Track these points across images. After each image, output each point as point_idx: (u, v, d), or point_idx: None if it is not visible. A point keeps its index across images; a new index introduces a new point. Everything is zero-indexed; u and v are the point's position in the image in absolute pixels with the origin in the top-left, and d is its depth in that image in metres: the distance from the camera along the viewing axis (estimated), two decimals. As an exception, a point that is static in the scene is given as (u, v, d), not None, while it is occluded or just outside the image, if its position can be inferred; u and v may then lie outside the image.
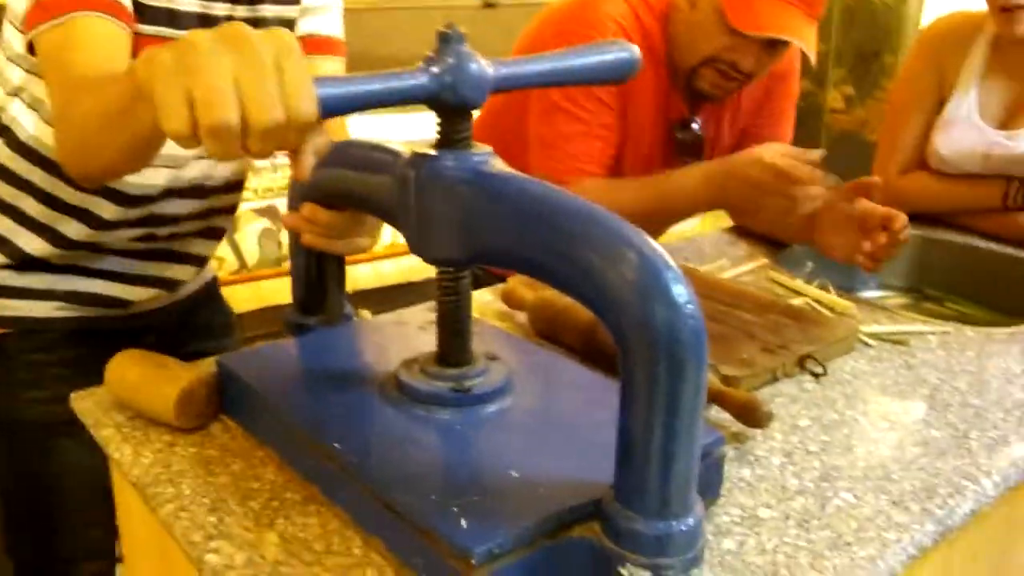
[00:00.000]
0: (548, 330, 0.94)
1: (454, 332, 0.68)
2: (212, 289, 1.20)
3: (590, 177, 1.19)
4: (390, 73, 0.58)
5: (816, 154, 1.10)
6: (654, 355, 0.50)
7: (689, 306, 0.50)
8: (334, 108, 0.56)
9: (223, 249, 1.85)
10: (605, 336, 0.87)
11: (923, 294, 1.39)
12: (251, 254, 1.93)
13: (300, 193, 0.78)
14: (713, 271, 1.17)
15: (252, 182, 1.89)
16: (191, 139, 0.48)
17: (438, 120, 0.62)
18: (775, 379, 0.87)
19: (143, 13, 0.83)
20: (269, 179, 1.90)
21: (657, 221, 1.20)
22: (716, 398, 0.78)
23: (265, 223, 1.94)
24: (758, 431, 0.77)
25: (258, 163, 1.90)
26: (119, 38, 0.76)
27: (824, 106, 1.94)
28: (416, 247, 0.63)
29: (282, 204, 2.01)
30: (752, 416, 0.75)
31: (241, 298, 1.98)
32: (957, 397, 0.85)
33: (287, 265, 2.03)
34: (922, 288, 1.39)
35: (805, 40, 1.09)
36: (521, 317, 0.99)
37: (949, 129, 1.39)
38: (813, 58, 1.13)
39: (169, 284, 1.05)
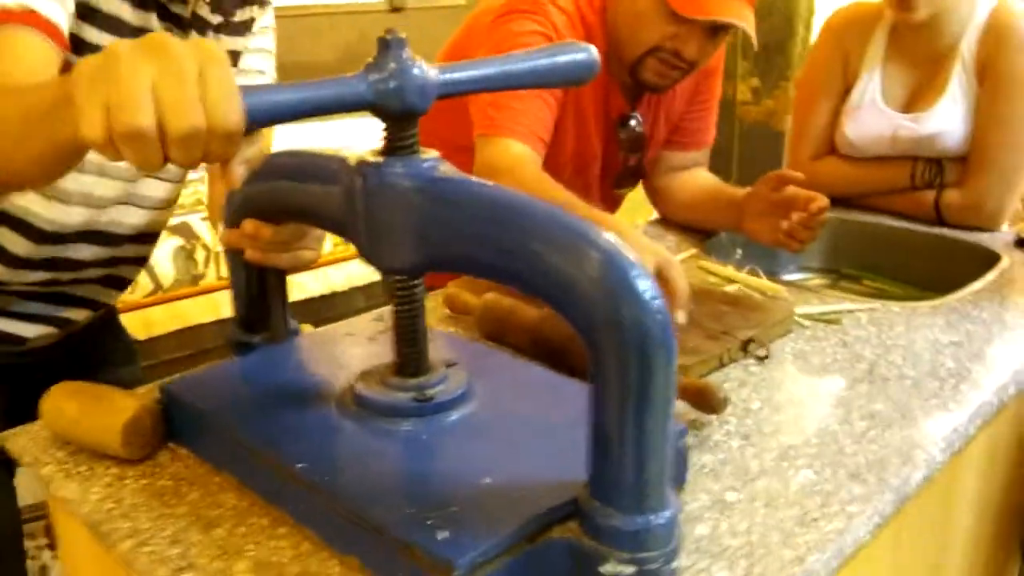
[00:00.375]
0: (495, 331, 0.93)
1: (411, 341, 0.67)
2: (109, 318, 1.14)
3: (531, 144, 1.14)
4: (327, 81, 0.57)
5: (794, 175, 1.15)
6: (624, 352, 0.50)
7: (656, 302, 0.51)
8: (263, 117, 0.54)
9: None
10: (552, 332, 0.87)
11: (841, 274, 1.44)
12: (166, 275, 1.86)
13: (237, 208, 0.75)
14: (647, 263, 1.19)
15: (163, 200, 1.83)
16: (107, 146, 0.48)
17: (383, 127, 0.61)
18: (722, 364, 0.89)
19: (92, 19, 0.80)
20: (181, 195, 1.83)
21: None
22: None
23: (179, 241, 1.87)
24: (713, 417, 0.78)
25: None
26: (46, 55, 0.72)
27: (734, 99, 2.00)
28: (369, 257, 0.62)
29: (195, 220, 1.95)
30: (709, 402, 0.76)
31: (157, 320, 1.91)
32: (894, 371, 0.88)
33: (204, 284, 1.97)
34: (839, 268, 1.44)
35: (747, 22, 1.12)
36: (466, 321, 0.98)
37: (856, 114, 1.44)
38: (755, 41, 1.15)
39: (63, 323, 1.00)
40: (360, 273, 2.12)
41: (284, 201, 0.71)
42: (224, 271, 1.97)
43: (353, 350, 0.78)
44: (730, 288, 1.09)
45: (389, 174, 0.59)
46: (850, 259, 1.44)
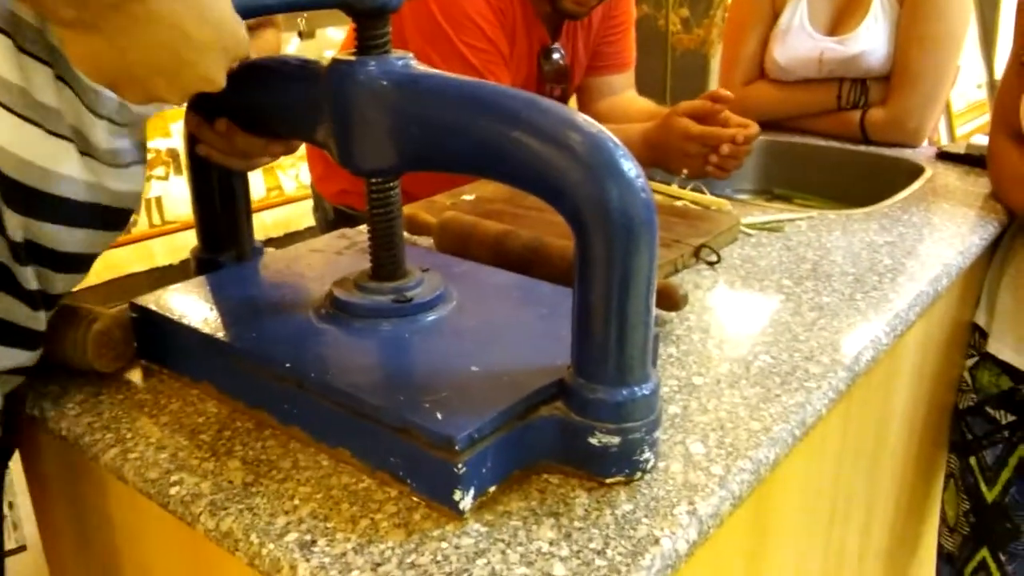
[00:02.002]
0: (456, 249, 0.94)
1: (387, 245, 0.68)
2: None
3: None
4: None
5: (725, 94, 1.16)
6: (610, 230, 0.52)
7: (639, 180, 0.53)
8: (247, 9, 0.55)
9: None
10: (514, 245, 0.89)
11: (773, 194, 1.49)
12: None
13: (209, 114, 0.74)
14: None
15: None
16: None
17: (355, 27, 0.61)
18: (676, 270, 0.92)
19: None
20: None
21: None
22: (631, 289, 0.82)
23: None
24: (674, 314, 0.82)
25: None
26: None
27: (666, 29, 2.03)
28: (345, 161, 0.62)
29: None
30: (670, 300, 0.79)
31: (91, 270, 1.85)
32: (836, 268, 0.93)
33: (136, 231, 1.92)
34: (771, 189, 1.50)
35: None
36: (424, 242, 0.99)
37: (784, 38, 1.49)
38: None
39: None
40: (296, 216, 2.10)
41: (255, 108, 0.70)
42: (156, 219, 1.92)
43: (322, 264, 0.79)
44: (677, 203, 1.13)
45: (363, 72, 0.59)
46: (781, 180, 1.49)
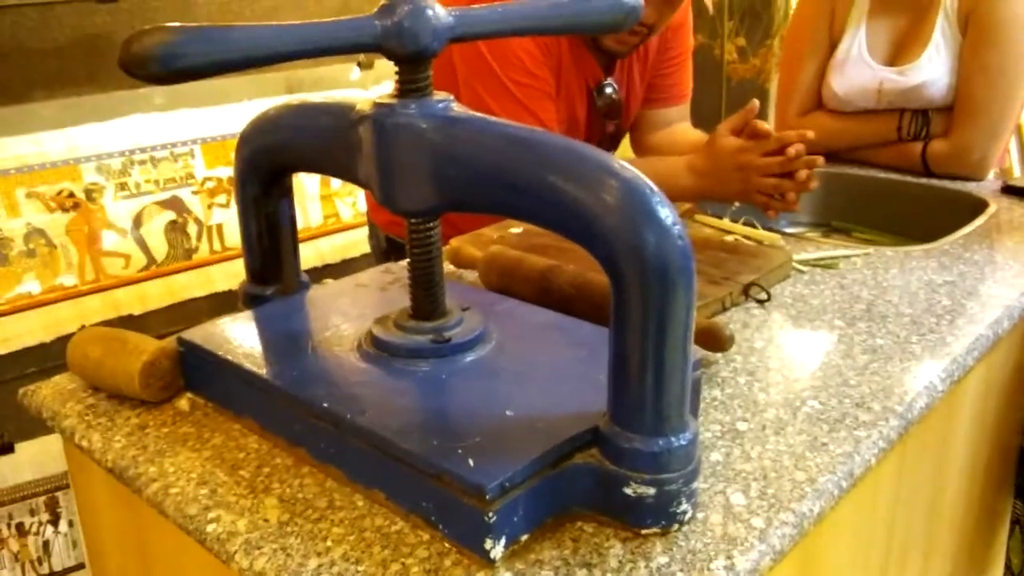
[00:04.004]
0: (501, 284, 0.94)
1: (428, 285, 0.68)
2: None
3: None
4: (339, 21, 0.58)
5: (753, 105, 1.14)
6: (646, 278, 0.52)
7: (677, 227, 0.52)
8: (286, 54, 0.56)
9: (129, 246, 1.78)
10: (559, 282, 0.89)
11: (831, 227, 1.46)
12: (158, 249, 1.86)
13: (245, 161, 0.76)
14: (643, 218, 1.20)
15: (152, 172, 1.82)
16: None
17: (396, 69, 0.62)
18: (724, 308, 0.91)
19: None
20: (171, 169, 1.83)
21: None
22: (676, 329, 0.80)
23: (171, 215, 1.87)
24: (719, 356, 0.80)
25: (158, 153, 1.83)
26: None
27: (722, 58, 2.01)
28: (384, 201, 0.63)
29: (185, 194, 1.94)
30: (716, 341, 0.78)
31: (152, 295, 1.90)
32: (891, 309, 0.90)
33: (197, 258, 1.97)
34: (829, 221, 1.47)
35: None
36: (470, 275, 0.99)
37: (842, 68, 1.46)
38: (711, 4, 1.17)
39: None
40: (352, 243, 2.12)
41: (293, 151, 0.72)
42: (217, 245, 1.97)
43: (366, 300, 0.79)
44: (728, 238, 1.11)
45: (403, 115, 0.60)
46: (839, 212, 1.46)
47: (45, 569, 1.71)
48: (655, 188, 0.53)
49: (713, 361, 0.79)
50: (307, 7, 2.05)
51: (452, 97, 0.63)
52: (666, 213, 0.52)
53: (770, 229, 1.14)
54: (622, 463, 0.55)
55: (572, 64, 1.22)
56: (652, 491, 0.54)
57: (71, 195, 1.69)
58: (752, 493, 0.60)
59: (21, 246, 1.65)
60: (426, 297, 0.68)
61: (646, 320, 0.52)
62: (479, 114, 0.60)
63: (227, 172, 1.91)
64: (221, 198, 1.92)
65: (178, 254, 1.89)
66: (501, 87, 1.18)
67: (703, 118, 1.47)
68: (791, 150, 1.08)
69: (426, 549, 0.55)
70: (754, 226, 1.14)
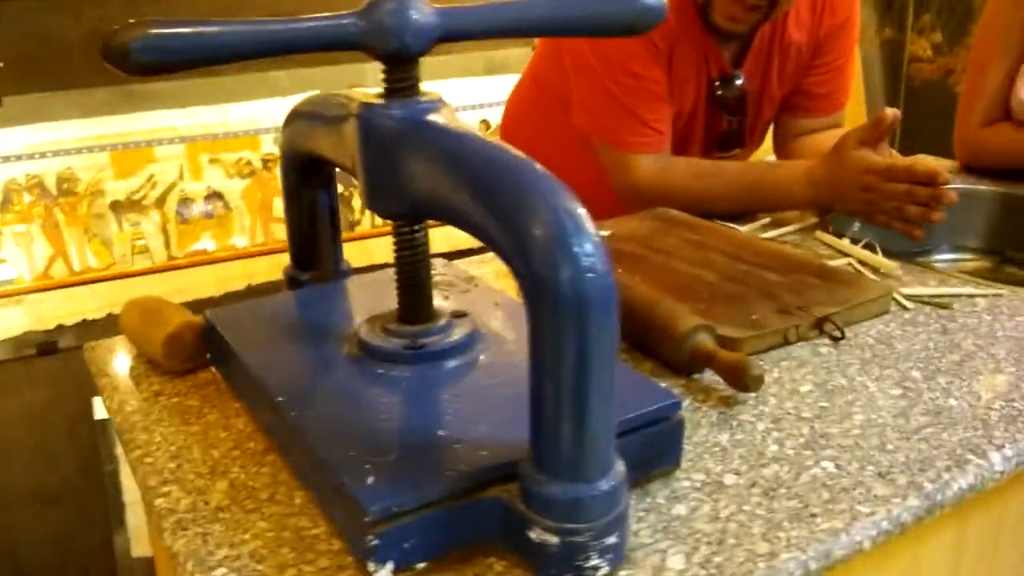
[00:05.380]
0: (554, 289, 0.91)
1: (411, 288, 0.66)
2: None
3: (661, 146, 1.15)
4: (318, 17, 0.57)
5: (889, 114, 1.02)
6: (559, 316, 0.47)
7: (595, 263, 0.47)
8: (263, 49, 0.56)
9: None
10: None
11: (1004, 256, 1.27)
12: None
13: (284, 150, 0.78)
14: (755, 230, 1.11)
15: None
16: None
17: (382, 68, 0.60)
18: (787, 342, 0.81)
19: None
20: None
21: (749, 209, 1.14)
22: (708, 360, 0.73)
23: (338, 188, 1.98)
24: (751, 395, 0.72)
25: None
26: None
27: (903, 54, 1.76)
28: (365, 201, 0.62)
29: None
30: (740, 379, 0.70)
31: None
32: (990, 365, 0.77)
33: (359, 230, 2.06)
34: (1004, 251, 1.27)
35: None
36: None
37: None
38: None
39: None
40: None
41: (308, 144, 0.72)
42: (379, 220, 2.06)
43: (389, 294, 0.79)
44: (836, 262, 0.99)
45: (379, 116, 0.59)
46: (1016, 241, 1.26)
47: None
48: (584, 222, 0.48)
49: (741, 401, 0.72)
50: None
51: (439, 99, 0.60)
52: (588, 248, 0.47)
53: (905, 253, 1.01)
54: (530, 505, 0.51)
55: (691, 52, 1.13)
56: (555, 540, 0.50)
57: (248, 163, 1.83)
58: (696, 559, 0.54)
59: (201, 207, 1.81)
60: (410, 301, 0.67)
61: (558, 358, 0.48)
62: (456, 123, 0.57)
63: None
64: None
65: (342, 225, 1.99)
66: (602, 87, 1.13)
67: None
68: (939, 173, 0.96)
69: (329, 559, 0.54)
70: (874, 250, 1.01)
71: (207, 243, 1.82)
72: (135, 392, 0.75)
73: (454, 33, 0.60)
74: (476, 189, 0.51)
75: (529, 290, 0.48)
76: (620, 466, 0.52)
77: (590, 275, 0.47)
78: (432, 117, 0.58)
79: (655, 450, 0.61)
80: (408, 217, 0.63)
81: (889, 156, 1.04)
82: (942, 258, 1.24)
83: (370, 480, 0.52)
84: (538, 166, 0.51)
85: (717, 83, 1.16)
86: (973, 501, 0.63)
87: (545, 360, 0.48)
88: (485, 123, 2.04)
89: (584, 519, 0.50)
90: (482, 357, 0.67)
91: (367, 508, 0.50)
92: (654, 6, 0.61)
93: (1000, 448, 0.64)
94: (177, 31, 0.55)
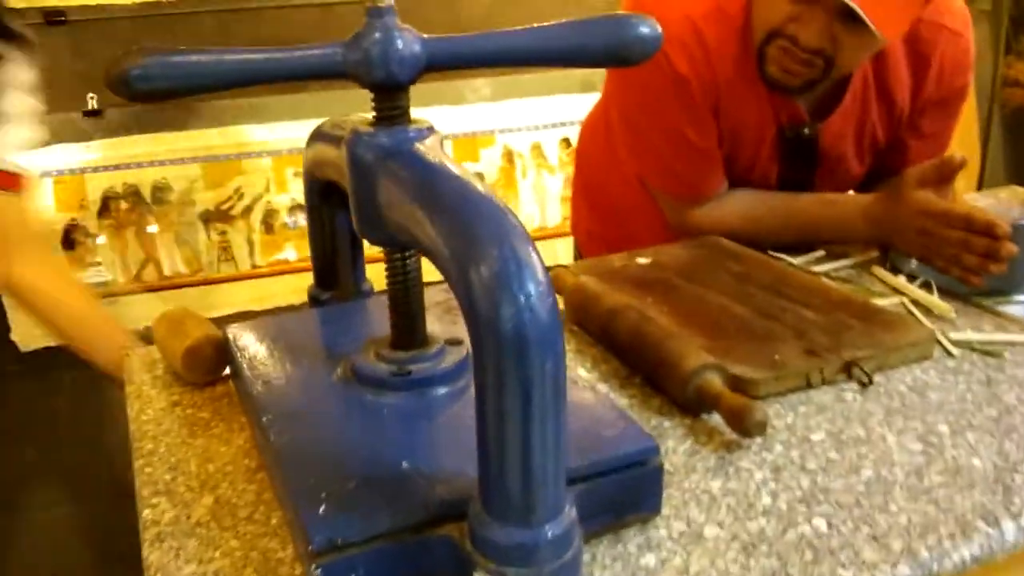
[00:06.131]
0: (577, 317, 0.90)
1: (402, 314, 0.67)
2: None
3: (709, 193, 1.13)
4: (307, 47, 0.58)
5: (957, 158, 0.96)
6: (499, 353, 0.46)
7: (536, 304, 0.46)
8: (243, 78, 0.58)
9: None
10: (620, 327, 0.82)
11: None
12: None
13: (307, 167, 0.80)
14: (809, 262, 1.06)
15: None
16: None
17: (371, 96, 0.61)
18: (809, 385, 0.77)
19: None
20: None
21: (807, 242, 1.10)
22: (714, 401, 0.71)
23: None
24: (756, 440, 0.69)
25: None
26: None
27: (994, 77, 1.62)
28: (355, 226, 0.63)
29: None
30: (741, 423, 0.67)
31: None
32: (1031, 422, 0.71)
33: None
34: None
35: (878, 11, 0.88)
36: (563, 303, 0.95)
37: None
38: (882, 36, 0.91)
39: None
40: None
41: (322, 166, 0.74)
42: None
43: (401, 317, 0.80)
44: (886, 301, 0.94)
45: (363, 142, 0.59)
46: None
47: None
48: (524, 261, 0.47)
49: (744, 446, 0.68)
50: (568, 11, 2.06)
51: (427, 127, 0.61)
52: (527, 288, 0.46)
53: (975, 293, 0.94)
54: (476, 546, 0.50)
55: (750, 99, 1.06)
56: (495, 584, 0.49)
57: (331, 176, 1.89)
58: (650, 614, 0.51)
59: (284, 218, 1.87)
60: (401, 327, 0.67)
61: (500, 399, 0.47)
62: (426, 152, 0.57)
63: (472, 167, 2.00)
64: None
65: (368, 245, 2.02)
66: (646, 139, 1.11)
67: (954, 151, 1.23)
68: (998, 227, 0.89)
69: (286, 583, 0.55)
70: (930, 290, 0.95)
71: (289, 253, 1.89)
72: (155, 401, 0.79)
73: (440, 62, 0.60)
74: (432, 222, 0.51)
75: (471, 328, 0.47)
76: (571, 511, 0.50)
77: (528, 314, 0.45)
78: (413, 146, 0.58)
79: (630, 495, 0.59)
80: (392, 245, 0.63)
81: (952, 199, 0.97)
82: (1020, 299, 1.15)
83: (321, 509, 0.52)
84: (498, 203, 0.50)
85: (788, 130, 1.10)
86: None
87: (488, 400, 0.48)
88: (566, 141, 2.03)
89: (529, 564, 0.49)
90: (472, 386, 0.66)
91: (312, 538, 0.50)
92: (648, 36, 0.60)
93: (1016, 517, 0.59)
94: (171, 60, 0.57)
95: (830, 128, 1.10)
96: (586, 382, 0.68)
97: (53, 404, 1.80)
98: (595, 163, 1.38)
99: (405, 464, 0.57)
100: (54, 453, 1.84)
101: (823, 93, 1.08)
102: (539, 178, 2.00)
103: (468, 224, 0.49)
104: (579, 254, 1.48)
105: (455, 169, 0.54)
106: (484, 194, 0.51)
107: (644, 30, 0.59)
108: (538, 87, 2.02)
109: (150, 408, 0.77)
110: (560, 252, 2.05)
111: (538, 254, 0.48)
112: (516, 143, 1.97)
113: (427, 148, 0.59)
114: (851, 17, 0.89)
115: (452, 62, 0.60)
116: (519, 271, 0.46)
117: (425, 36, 0.59)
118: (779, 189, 1.14)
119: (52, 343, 1.61)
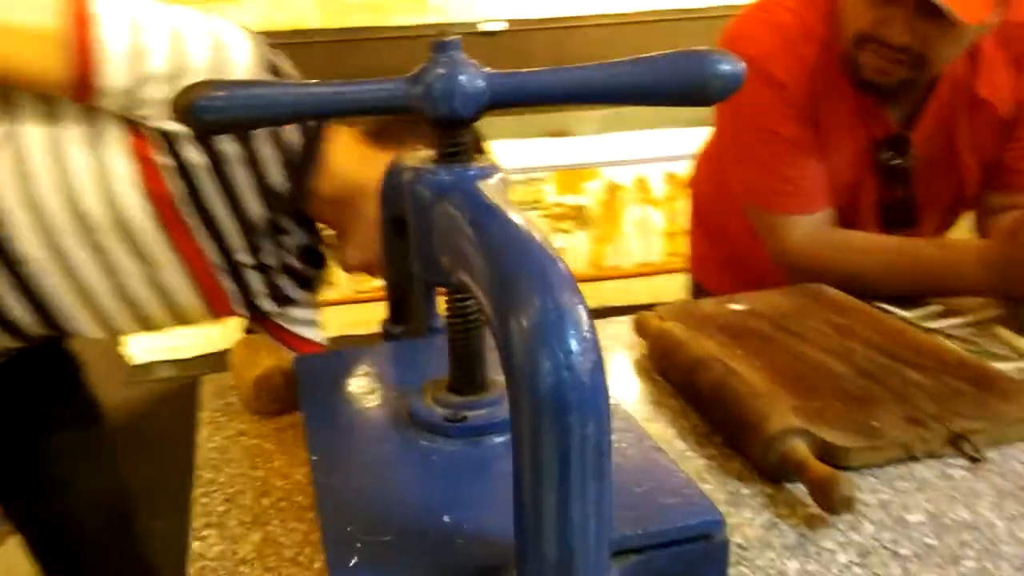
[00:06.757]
0: (661, 366, 0.85)
1: (461, 357, 0.64)
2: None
3: (810, 207, 1.07)
4: (370, 81, 0.57)
5: None
6: (536, 412, 0.43)
7: (576, 362, 0.42)
8: (311, 112, 0.58)
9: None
10: (700, 378, 0.77)
11: None
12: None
13: (383, 207, 0.79)
14: (921, 317, 0.97)
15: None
16: None
17: (435, 132, 0.59)
18: (911, 458, 0.70)
19: None
20: (522, 192, 1.93)
21: (913, 291, 1.03)
22: (798, 469, 0.65)
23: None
24: (844, 517, 0.63)
25: (515, 176, 1.95)
26: None
27: None
28: (412, 265, 0.61)
29: (532, 216, 2.04)
30: (825, 497, 0.61)
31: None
32: None
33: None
34: None
35: (961, 2, 0.88)
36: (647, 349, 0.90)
37: None
38: (961, 20, 0.89)
39: None
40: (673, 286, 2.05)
41: (395, 200, 0.73)
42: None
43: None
44: (1007, 365, 0.85)
45: (422, 180, 0.57)
46: None
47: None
48: (566, 315, 0.43)
49: (828, 524, 0.62)
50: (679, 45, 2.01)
51: (490, 165, 0.58)
52: (568, 344, 0.42)
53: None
54: (509, 615, 0.46)
55: (844, 114, 1.03)
56: (524, 661, 0.45)
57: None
58: None
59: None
60: (460, 370, 0.64)
61: (536, 462, 0.43)
62: (484, 192, 0.55)
63: (574, 200, 1.97)
64: (566, 224, 1.99)
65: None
66: (743, 144, 1.06)
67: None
68: None
69: (317, 635, 0.53)
70: (1063, 355, 0.85)
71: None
72: (223, 428, 0.78)
73: (505, 99, 0.57)
74: (477, 264, 0.48)
75: (508, 382, 0.44)
76: (611, 588, 0.46)
77: (566, 373, 0.42)
78: (472, 185, 0.56)
79: (691, 571, 0.54)
80: (448, 285, 0.61)
81: None
82: None
83: (352, 561, 0.50)
84: (548, 249, 0.47)
85: (881, 147, 1.05)
86: None
87: (524, 462, 0.44)
88: (671, 175, 1.97)
89: (556, 643, 0.45)
90: (531, 438, 0.63)
91: (335, 592, 0.48)
92: (729, 73, 0.55)
93: None
94: (237, 92, 0.57)
95: (922, 137, 1.07)
96: (653, 441, 0.63)
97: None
98: (707, 198, 1.35)
99: (447, 518, 0.54)
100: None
101: (910, 103, 1.06)
102: (643, 213, 1.95)
103: (511, 268, 0.46)
104: (699, 290, 1.43)
105: (509, 210, 0.51)
106: (534, 238, 0.48)
107: (725, 67, 0.55)
108: (644, 121, 1.98)
109: (218, 436, 0.77)
110: (664, 289, 1.99)
111: (585, 306, 0.44)
112: (620, 176, 1.93)
113: (486, 187, 0.56)
114: (930, 11, 0.89)
115: (518, 98, 0.58)
116: (560, 323, 0.43)
117: (490, 71, 0.57)
118: (877, 204, 1.09)
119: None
